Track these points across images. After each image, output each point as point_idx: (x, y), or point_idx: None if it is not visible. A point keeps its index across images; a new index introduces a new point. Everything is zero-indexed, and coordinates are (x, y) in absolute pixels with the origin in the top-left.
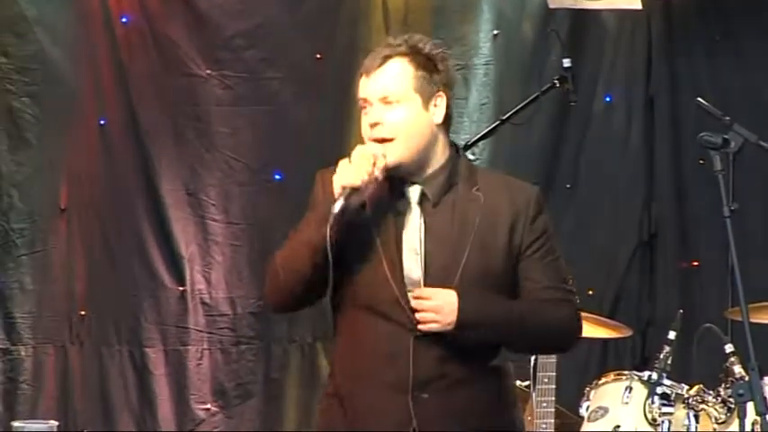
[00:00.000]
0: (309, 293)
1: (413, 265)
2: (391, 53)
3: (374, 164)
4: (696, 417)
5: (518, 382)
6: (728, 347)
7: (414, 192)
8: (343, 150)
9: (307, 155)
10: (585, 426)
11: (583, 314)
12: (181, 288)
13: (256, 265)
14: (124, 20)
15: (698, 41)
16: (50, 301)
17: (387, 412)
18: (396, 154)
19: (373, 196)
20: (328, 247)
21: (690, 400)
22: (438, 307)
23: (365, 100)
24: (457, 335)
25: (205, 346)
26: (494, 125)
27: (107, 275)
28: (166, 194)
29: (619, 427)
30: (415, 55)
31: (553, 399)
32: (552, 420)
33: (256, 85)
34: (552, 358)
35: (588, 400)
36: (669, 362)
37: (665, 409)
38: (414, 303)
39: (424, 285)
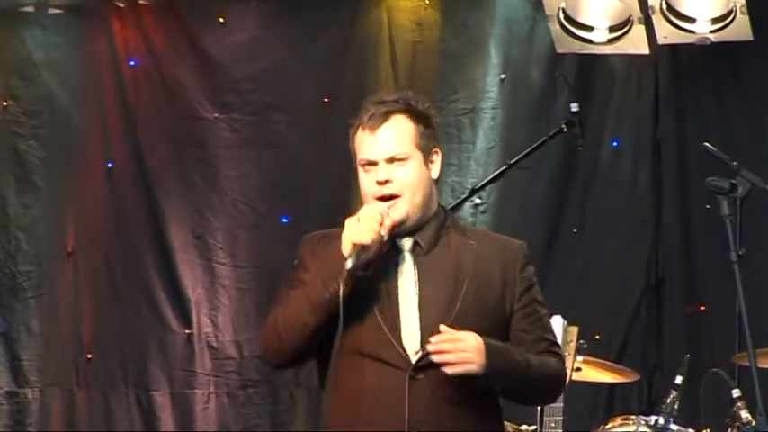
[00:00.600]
0: (311, 350)
1: (408, 309)
2: (391, 109)
3: (381, 223)
4: None
5: (524, 427)
6: (736, 392)
7: (406, 242)
8: (349, 194)
9: (314, 198)
10: None
11: (590, 358)
12: (187, 331)
13: (263, 308)
14: (132, 63)
15: (705, 86)
16: (57, 343)
17: None
18: (402, 210)
19: (377, 254)
20: (340, 303)
21: None
22: (471, 348)
23: (370, 162)
24: (480, 377)
25: (212, 390)
26: (501, 169)
27: (114, 318)
28: (173, 237)
29: None
30: (412, 111)
31: None
32: None
33: (263, 128)
34: (559, 402)
35: None
36: (676, 406)
37: None
38: (445, 346)
39: (420, 328)
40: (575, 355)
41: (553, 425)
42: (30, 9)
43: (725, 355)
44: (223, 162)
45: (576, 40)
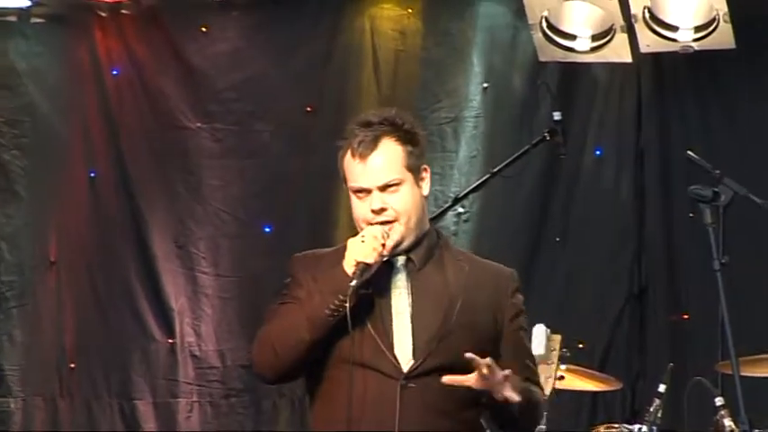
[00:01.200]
0: (305, 364)
1: (401, 321)
2: (379, 134)
3: (383, 243)
4: None
5: None
6: (719, 401)
7: (400, 258)
8: (332, 204)
9: (296, 207)
10: None
11: (573, 367)
12: (170, 341)
13: (246, 317)
14: (114, 72)
15: (688, 95)
16: (40, 353)
17: None
18: (398, 233)
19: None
20: (348, 318)
21: None
22: (506, 377)
23: (363, 190)
24: (503, 406)
25: (195, 399)
26: (484, 178)
27: (97, 328)
28: (156, 247)
29: None
30: (399, 131)
31: None
32: None
33: (246, 137)
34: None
35: None
36: (659, 415)
37: None
38: (486, 364)
39: (413, 342)
40: (558, 364)
41: None
42: (12, 18)
43: (708, 364)
44: (206, 171)
45: (558, 49)
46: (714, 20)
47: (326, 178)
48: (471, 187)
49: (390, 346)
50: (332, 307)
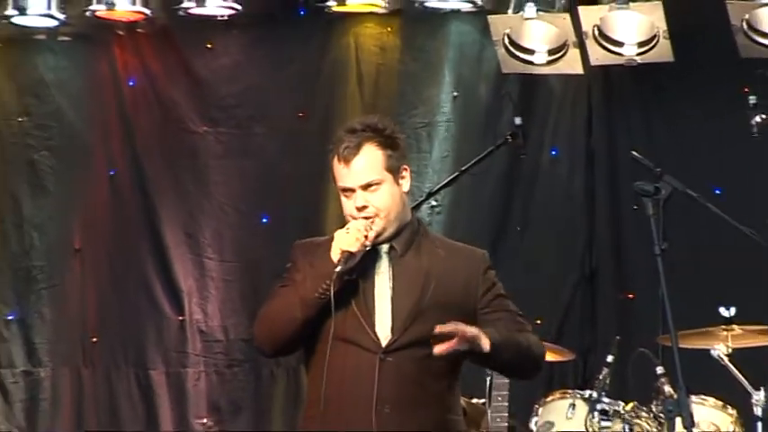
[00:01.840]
0: (299, 340)
1: (382, 302)
2: (361, 140)
3: (366, 235)
4: (631, 430)
5: (475, 400)
6: (659, 369)
7: (384, 246)
8: (321, 197)
9: (291, 201)
10: None
11: None
12: (180, 318)
13: (246, 297)
14: (131, 83)
15: (632, 102)
16: (66, 328)
17: (354, 424)
18: (379, 226)
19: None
20: (332, 300)
21: (626, 416)
22: (478, 331)
23: (348, 189)
24: (491, 355)
25: (202, 369)
26: (454, 175)
27: (116, 306)
28: (167, 236)
29: None
30: (380, 137)
31: (506, 414)
32: None
33: (246, 140)
34: (505, 379)
35: (537, 415)
36: (608, 382)
37: (603, 424)
38: (453, 330)
39: (392, 320)
40: None
41: (500, 398)
42: (42, 37)
43: (650, 337)
44: (211, 170)
45: (519, 62)
46: (655, 36)
47: (316, 175)
48: (443, 183)
49: (372, 324)
50: (320, 290)
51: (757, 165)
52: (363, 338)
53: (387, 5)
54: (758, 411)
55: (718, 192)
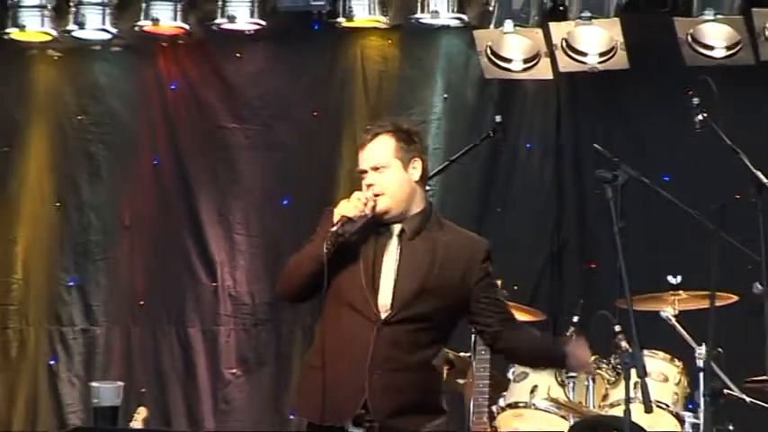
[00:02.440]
0: (309, 290)
1: (387, 278)
2: (379, 131)
3: (365, 204)
4: (593, 379)
5: (462, 354)
6: (617, 328)
7: (395, 228)
8: (333, 183)
9: (307, 186)
10: (512, 385)
11: (511, 303)
12: (214, 284)
13: (269, 267)
14: (172, 86)
15: (595, 103)
16: (118, 293)
17: (349, 383)
18: (385, 204)
19: (365, 227)
20: (324, 257)
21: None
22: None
23: (363, 171)
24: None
25: (232, 327)
26: (444, 165)
27: (159, 275)
28: (203, 215)
29: (536, 387)
30: (396, 131)
31: (488, 365)
32: (487, 381)
33: (269, 135)
34: None
35: (514, 367)
36: (573, 338)
37: (570, 374)
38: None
39: (392, 296)
40: None
41: (483, 352)
42: (97, 47)
43: (609, 301)
44: (240, 160)
45: (499, 69)
46: (613, 48)
47: (328, 164)
48: (435, 171)
49: (375, 298)
50: (324, 247)
51: (700, 155)
52: (365, 309)
53: (388, 22)
54: (700, 363)
55: (666, 179)
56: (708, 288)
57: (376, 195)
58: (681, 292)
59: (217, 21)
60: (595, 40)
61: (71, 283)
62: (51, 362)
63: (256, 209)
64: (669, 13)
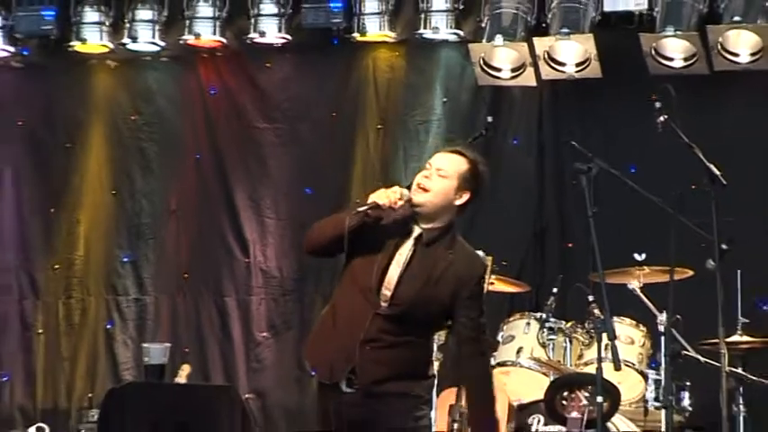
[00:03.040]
0: (327, 251)
1: (393, 275)
2: (463, 152)
3: (399, 199)
4: (570, 341)
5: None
6: (591, 298)
7: (416, 230)
8: (348, 175)
9: (326, 177)
10: (501, 347)
11: (500, 276)
12: (247, 260)
13: (294, 246)
14: (212, 92)
15: (572, 106)
16: (165, 267)
17: (343, 352)
18: (422, 199)
19: (396, 223)
20: (346, 230)
21: (566, 331)
22: None
23: (431, 164)
24: None
25: (262, 297)
26: None
27: (201, 252)
28: (238, 201)
29: (522, 348)
30: (473, 163)
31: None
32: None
33: (294, 133)
34: None
35: (502, 331)
36: (553, 307)
37: (550, 337)
38: None
39: (393, 292)
40: (490, 274)
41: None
42: (148, 58)
43: (584, 275)
44: (269, 155)
45: (490, 77)
46: (588, 59)
47: (346, 160)
48: None
49: (378, 289)
50: (349, 221)
51: (661, 151)
52: (368, 295)
53: (396, 36)
54: (661, 328)
55: (633, 170)
56: (668, 264)
57: (424, 189)
58: (645, 267)
59: (250, 35)
60: (572, 53)
61: (125, 259)
62: (108, 326)
63: (283, 196)
64: (636, 29)
